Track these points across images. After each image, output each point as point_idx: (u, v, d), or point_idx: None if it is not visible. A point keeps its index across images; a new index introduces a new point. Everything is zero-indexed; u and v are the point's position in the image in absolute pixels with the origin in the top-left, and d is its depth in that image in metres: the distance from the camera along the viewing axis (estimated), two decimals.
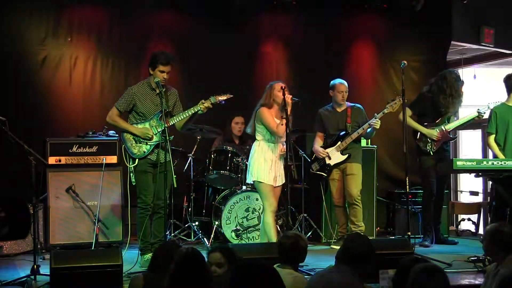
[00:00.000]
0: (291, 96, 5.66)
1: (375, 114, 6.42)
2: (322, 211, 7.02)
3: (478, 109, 6.64)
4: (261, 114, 5.75)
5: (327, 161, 6.59)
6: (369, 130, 6.49)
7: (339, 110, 6.66)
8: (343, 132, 6.57)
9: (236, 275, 2.67)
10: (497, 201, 6.57)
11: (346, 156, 6.53)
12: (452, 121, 6.77)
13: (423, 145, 6.70)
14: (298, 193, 7.02)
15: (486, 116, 6.70)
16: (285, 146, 5.69)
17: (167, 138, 5.33)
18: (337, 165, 6.57)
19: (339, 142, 6.55)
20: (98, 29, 7.47)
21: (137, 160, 5.55)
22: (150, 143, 5.54)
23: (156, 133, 5.55)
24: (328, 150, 6.59)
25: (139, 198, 5.62)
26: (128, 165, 5.58)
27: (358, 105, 6.75)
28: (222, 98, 5.58)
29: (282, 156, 5.75)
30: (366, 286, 3.54)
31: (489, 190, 8.03)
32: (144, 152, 5.55)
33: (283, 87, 5.63)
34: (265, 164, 5.72)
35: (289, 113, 5.56)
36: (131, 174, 5.57)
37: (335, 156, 6.56)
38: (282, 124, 5.59)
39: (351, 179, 6.53)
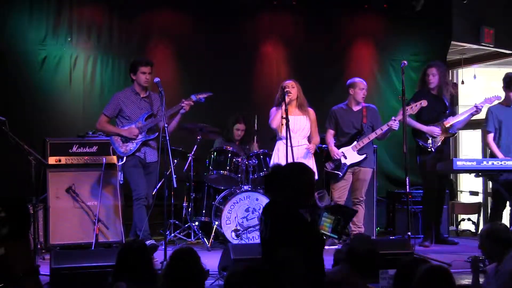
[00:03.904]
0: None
1: (393, 117, 6.39)
2: None
3: (476, 104, 6.62)
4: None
5: (343, 161, 6.49)
6: (385, 131, 6.45)
7: (354, 109, 6.62)
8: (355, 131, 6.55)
9: (232, 279, 2.50)
10: (494, 201, 6.58)
11: (363, 156, 6.47)
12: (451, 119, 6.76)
13: (423, 143, 6.68)
14: None
15: (483, 113, 6.71)
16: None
17: (167, 137, 5.37)
18: (352, 165, 6.51)
19: (355, 142, 6.49)
20: (98, 29, 7.46)
21: (125, 158, 5.87)
22: (135, 141, 5.87)
23: (141, 133, 5.87)
24: (343, 149, 6.52)
25: (134, 191, 5.87)
26: (117, 163, 5.93)
27: (373, 106, 6.73)
28: (202, 96, 5.92)
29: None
30: (368, 286, 3.54)
31: (489, 190, 8.03)
32: (131, 149, 5.88)
33: (283, 87, 5.67)
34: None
35: (283, 108, 5.73)
36: (120, 173, 5.89)
37: (351, 155, 6.48)
38: (283, 117, 5.67)
39: (362, 183, 6.51)
